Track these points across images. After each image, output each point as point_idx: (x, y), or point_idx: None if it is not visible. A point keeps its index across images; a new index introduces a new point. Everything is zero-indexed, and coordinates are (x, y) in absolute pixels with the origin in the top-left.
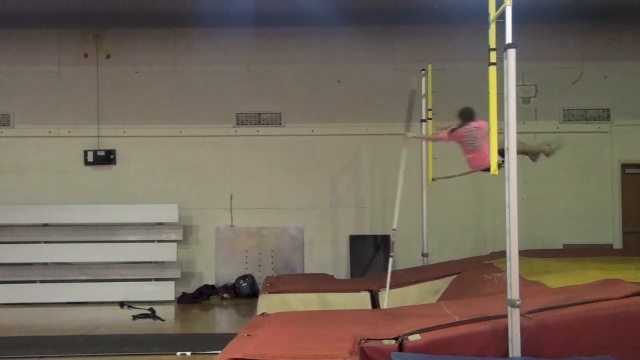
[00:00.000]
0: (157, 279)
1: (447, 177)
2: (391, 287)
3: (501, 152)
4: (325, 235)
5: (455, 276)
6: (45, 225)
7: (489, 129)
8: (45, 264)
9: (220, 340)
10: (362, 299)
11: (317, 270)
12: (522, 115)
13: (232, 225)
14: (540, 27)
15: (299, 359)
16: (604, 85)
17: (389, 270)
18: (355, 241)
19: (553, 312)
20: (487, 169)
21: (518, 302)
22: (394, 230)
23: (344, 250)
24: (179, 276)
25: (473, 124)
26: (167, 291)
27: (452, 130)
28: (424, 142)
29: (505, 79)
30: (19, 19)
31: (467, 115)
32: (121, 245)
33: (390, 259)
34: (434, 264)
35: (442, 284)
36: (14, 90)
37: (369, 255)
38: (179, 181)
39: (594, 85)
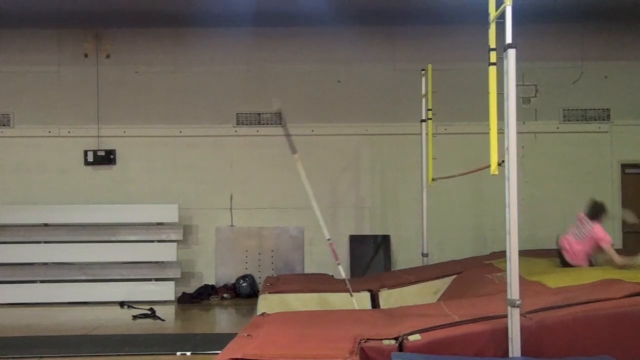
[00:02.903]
0: (157, 279)
1: (447, 177)
2: (391, 287)
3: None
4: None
5: (455, 276)
6: (45, 225)
7: (602, 241)
8: (46, 264)
9: (220, 340)
10: (362, 299)
11: (317, 270)
12: (522, 115)
13: (232, 225)
14: (540, 27)
15: (299, 359)
16: (604, 85)
17: (343, 276)
18: (355, 241)
19: (553, 312)
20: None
21: (518, 302)
22: (329, 240)
23: (344, 250)
24: (179, 276)
25: (592, 222)
26: (167, 291)
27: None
28: (424, 142)
29: (505, 79)
30: (19, 19)
31: (592, 212)
32: (121, 245)
33: (339, 267)
34: (434, 264)
35: (442, 284)
36: (14, 90)
37: (369, 255)
38: (179, 181)
39: (594, 85)
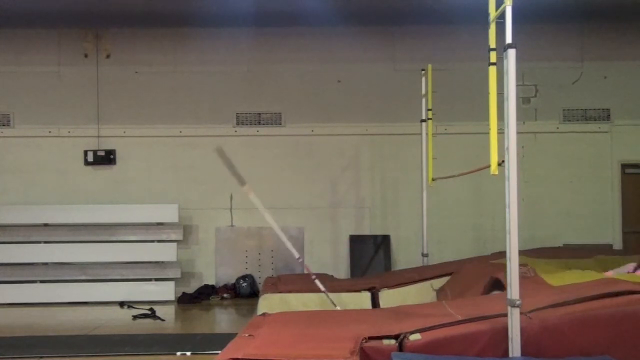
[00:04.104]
0: (157, 279)
1: (447, 177)
2: (391, 287)
3: None
4: (325, 235)
5: (455, 275)
6: (45, 225)
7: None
8: (46, 264)
9: (220, 340)
10: (362, 299)
11: (317, 270)
12: (522, 115)
13: (232, 225)
14: (540, 27)
15: (300, 359)
16: (604, 85)
17: (322, 288)
18: (355, 241)
19: (553, 311)
20: None
21: (518, 302)
22: (298, 258)
23: (344, 250)
24: (179, 276)
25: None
26: (167, 291)
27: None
28: (424, 142)
29: (505, 79)
30: (19, 19)
31: None
32: (121, 245)
33: (316, 280)
34: (434, 264)
35: (442, 284)
36: (14, 90)
37: (369, 255)
38: (179, 181)
39: (594, 85)
